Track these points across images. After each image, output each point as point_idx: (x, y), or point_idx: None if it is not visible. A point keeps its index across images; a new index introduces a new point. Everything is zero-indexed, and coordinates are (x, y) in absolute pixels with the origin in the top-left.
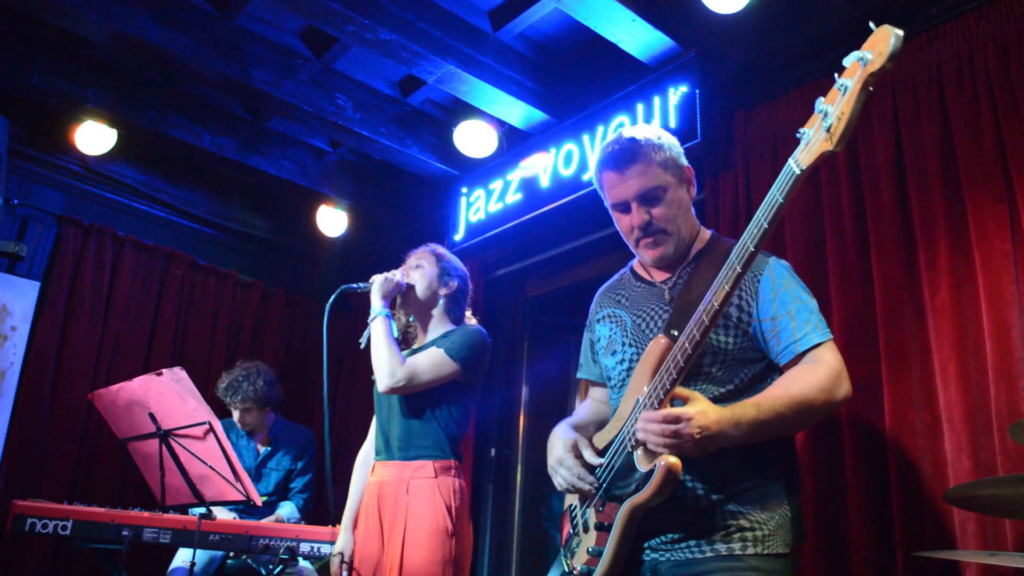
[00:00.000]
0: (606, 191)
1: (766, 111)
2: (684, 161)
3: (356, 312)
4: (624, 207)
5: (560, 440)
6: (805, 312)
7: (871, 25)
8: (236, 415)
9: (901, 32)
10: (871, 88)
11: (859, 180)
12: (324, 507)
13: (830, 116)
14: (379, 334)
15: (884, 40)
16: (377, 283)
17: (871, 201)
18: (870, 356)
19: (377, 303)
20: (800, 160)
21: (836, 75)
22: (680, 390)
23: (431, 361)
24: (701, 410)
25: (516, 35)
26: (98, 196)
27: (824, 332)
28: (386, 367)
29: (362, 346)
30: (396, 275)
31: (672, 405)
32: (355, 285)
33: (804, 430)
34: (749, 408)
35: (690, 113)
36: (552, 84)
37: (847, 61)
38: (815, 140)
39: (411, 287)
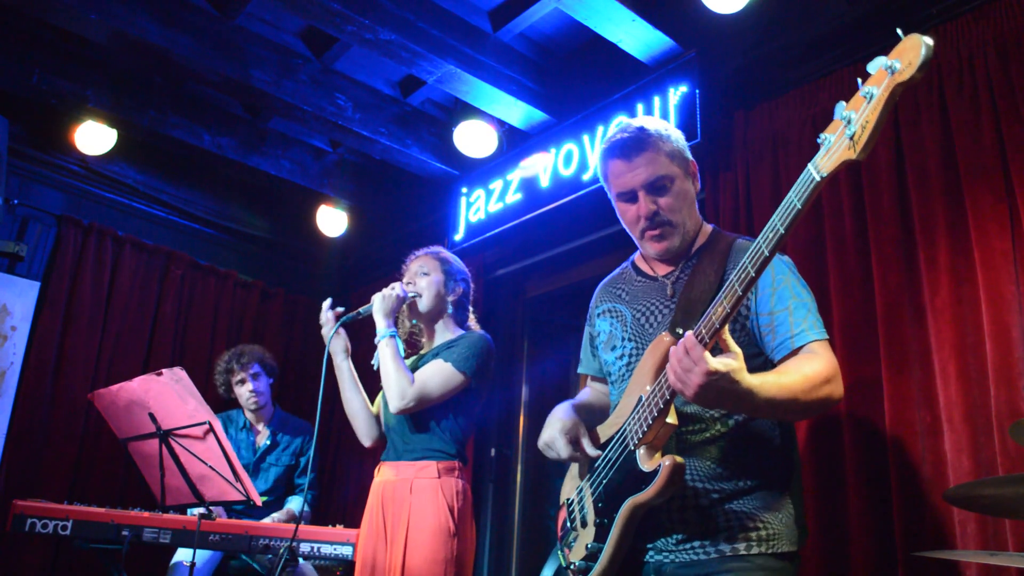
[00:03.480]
0: (611, 180)
1: (766, 111)
2: (689, 155)
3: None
4: (630, 196)
5: (559, 421)
6: (803, 309)
7: (899, 32)
8: (247, 390)
9: (931, 41)
10: (897, 98)
11: (859, 180)
12: (324, 507)
13: (854, 124)
14: (387, 356)
15: (914, 49)
16: (376, 303)
17: (871, 201)
18: (870, 356)
19: (381, 323)
20: (820, 166)
21: (860, 81)
22: (726, 337)
23: (440, 377)
24: (736, 373)
25: (516, 35)
26: (98, 196)
27: (821, 331)
28: (396, 389)
29: (375, 368)
30: (396, 289)
31: (713, 350)
32: (353, 313)
33: (798, 420)
34: (771, 387)
35: (690, 113)
36: (552, 84)
37: (872, 68)
38: (837, 147)
39: (416, 297)
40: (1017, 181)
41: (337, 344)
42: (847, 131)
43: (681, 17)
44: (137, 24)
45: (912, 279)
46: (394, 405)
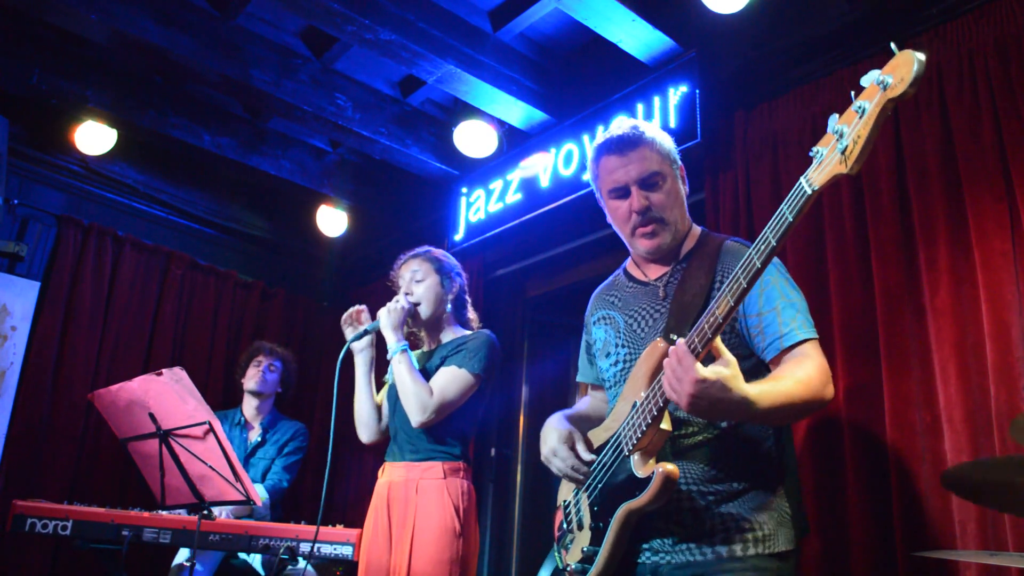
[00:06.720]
0: (604, 177)
1: (766, 111)
2: (679, 158)
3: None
4: (623, 192)
5: (555, 431)
6: (791, 309)
7: (892, 47)
8: (258, 371)
9: (924, 57)
10: (889, 113)
11: (859, 180)
12: (324, 506)
13: (846, 138)
14: (402, 371)
15: (907, 65)
16: (383, 319)
17: (871, 201)
18: (870, 356)
19: (392, 338)
20: (812, 180)
21: (853, 94)
22: (719, 345)
23: (456, 384)
24: (729, 381)
25: (516, 35)
26: (98, 196)
27: (810, 330)
28: (416, 403)
29: (389, 383)
30: (400, 301)
31: (709, 359)
32: (361, 330)
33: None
34: (768, 395)
35: (690, 113)
36: (552, 84)
37: (865, 81)
38: (829, 161)
39: (418, 304)
40: (1017, 181)
41: (361, 342)
42: (839, 145)
43: (681, 17)
44: (137, 24)
45: (912, 279)
46: (416, 419)
